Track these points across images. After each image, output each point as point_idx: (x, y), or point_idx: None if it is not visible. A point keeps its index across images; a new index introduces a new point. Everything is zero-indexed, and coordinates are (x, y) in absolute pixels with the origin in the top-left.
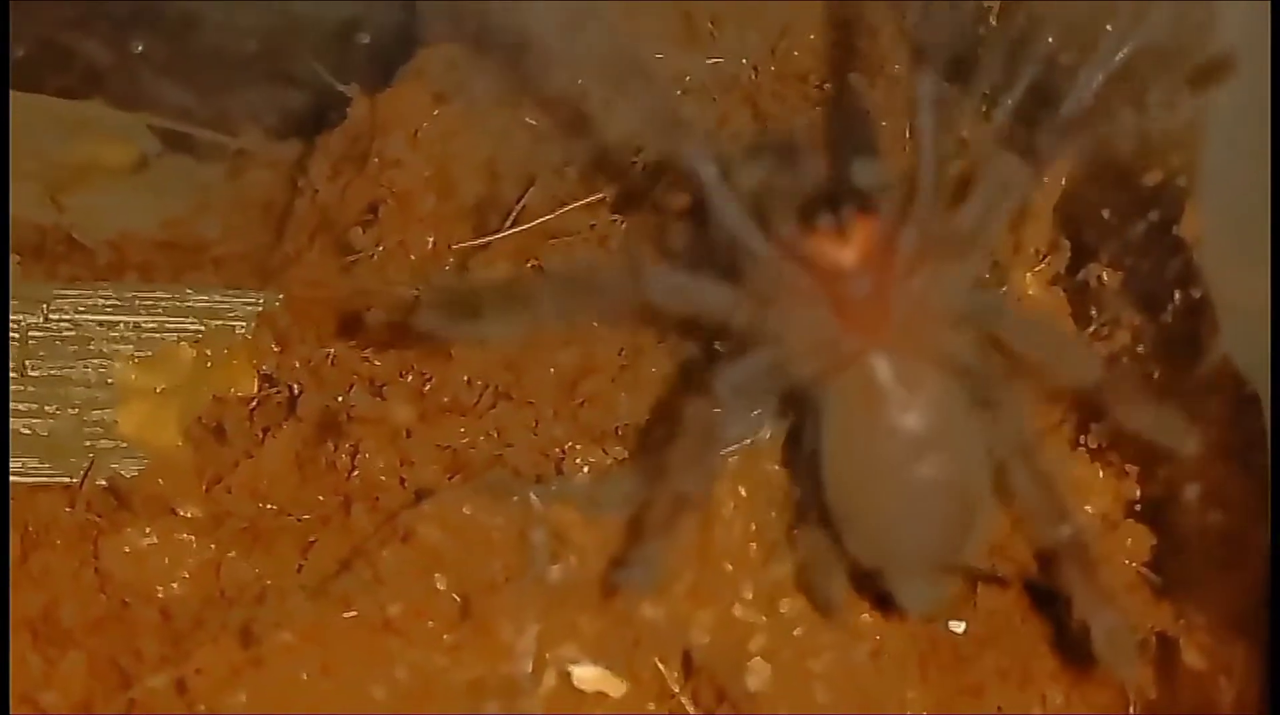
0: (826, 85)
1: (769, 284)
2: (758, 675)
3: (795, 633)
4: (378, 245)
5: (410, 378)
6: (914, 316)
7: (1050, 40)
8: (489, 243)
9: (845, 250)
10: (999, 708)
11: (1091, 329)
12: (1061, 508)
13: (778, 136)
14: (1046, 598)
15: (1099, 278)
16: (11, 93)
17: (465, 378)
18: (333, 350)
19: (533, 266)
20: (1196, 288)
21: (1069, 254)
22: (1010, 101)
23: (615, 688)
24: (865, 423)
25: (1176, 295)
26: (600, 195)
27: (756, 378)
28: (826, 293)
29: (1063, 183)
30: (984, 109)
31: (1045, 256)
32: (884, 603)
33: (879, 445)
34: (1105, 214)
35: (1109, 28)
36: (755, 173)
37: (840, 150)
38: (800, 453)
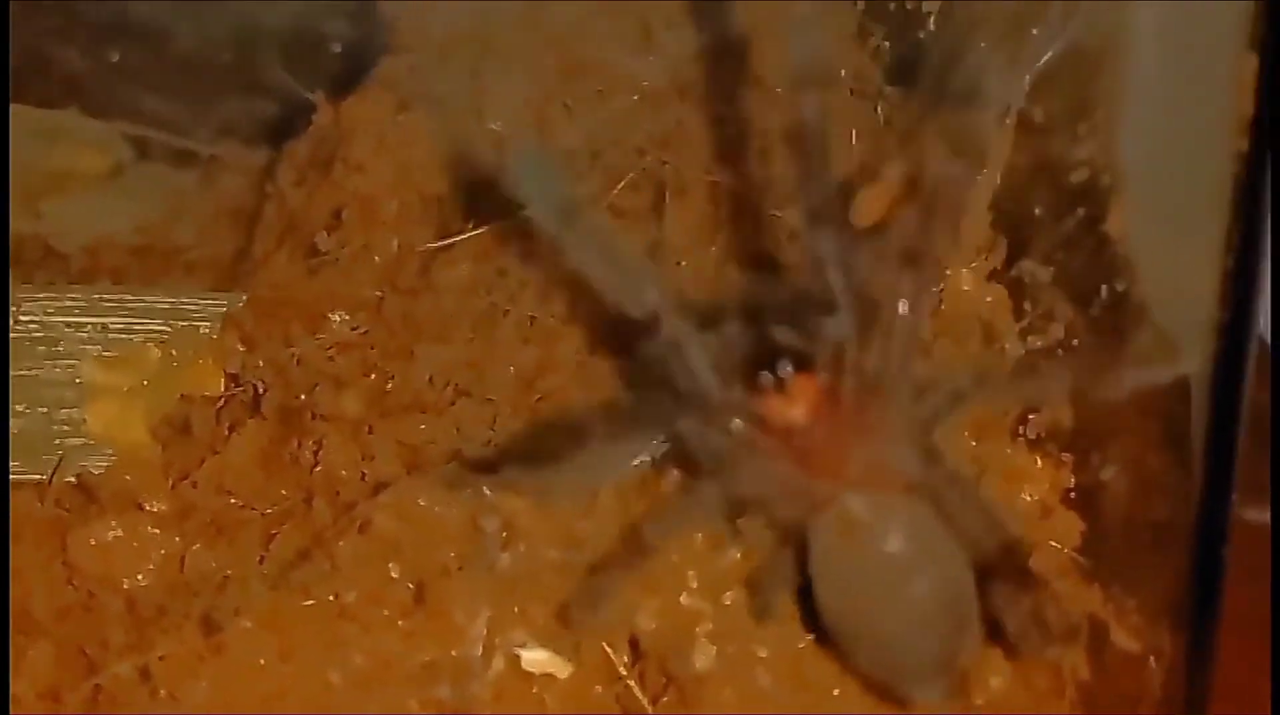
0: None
1: (732, 443)
2: (704, 654)
3: (741, 621)
4: (343, 248)
5: (374, 377)
6: (872, 449)
7: (984, 45)
8: (452, 244)
9: (794, 408)
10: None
11: (1025, 323)
12: (993, 524)
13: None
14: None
15: (1032, 273)
16: None
17: (428, 377)
18: (298, 350)
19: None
20: (1121, 281)
21: (1005, 251)
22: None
23: (562, 670)
24: (851, 557)
25: (1104, 289)
26: None
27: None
28: (786, 447)
29: (997, 180)
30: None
31: (985, 254)
32: None
33: (868, 575)
34: (1037, 211)
35: (1035, 31)
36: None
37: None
38: None
